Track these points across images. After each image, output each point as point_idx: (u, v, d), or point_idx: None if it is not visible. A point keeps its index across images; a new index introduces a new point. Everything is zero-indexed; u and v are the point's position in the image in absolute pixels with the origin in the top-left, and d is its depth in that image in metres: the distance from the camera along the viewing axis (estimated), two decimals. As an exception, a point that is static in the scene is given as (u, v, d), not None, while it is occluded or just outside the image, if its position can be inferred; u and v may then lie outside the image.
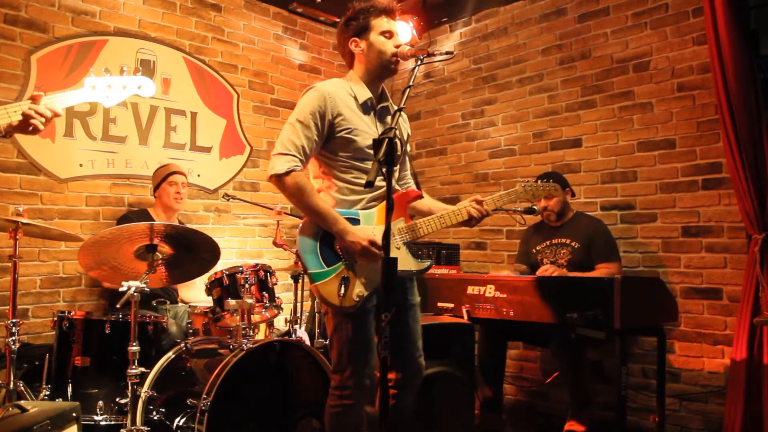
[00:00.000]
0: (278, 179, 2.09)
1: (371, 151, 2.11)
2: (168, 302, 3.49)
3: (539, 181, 2.42)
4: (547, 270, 3.35)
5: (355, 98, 2.21)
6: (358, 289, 2.09)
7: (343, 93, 2.20)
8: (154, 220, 3.49)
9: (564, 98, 4.13)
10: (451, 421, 2.93)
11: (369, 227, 2.15)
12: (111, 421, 2.67)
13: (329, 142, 2.18)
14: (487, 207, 2.24)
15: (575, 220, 3.60)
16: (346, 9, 2.29)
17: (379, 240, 2.06)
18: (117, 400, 2.66)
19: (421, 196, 2.29)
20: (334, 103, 2.15)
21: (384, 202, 2.18)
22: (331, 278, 2.10)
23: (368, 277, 2.11)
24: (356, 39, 2.23)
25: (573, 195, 3.69)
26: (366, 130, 2.19)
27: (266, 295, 3.05)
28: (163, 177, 3.59)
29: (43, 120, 2.03)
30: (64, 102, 2.20)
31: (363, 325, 2.13)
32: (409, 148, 2.46)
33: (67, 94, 2.22)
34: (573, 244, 3.52)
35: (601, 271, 3.39)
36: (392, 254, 1.74)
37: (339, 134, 2.15)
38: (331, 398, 2.19)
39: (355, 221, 2.15)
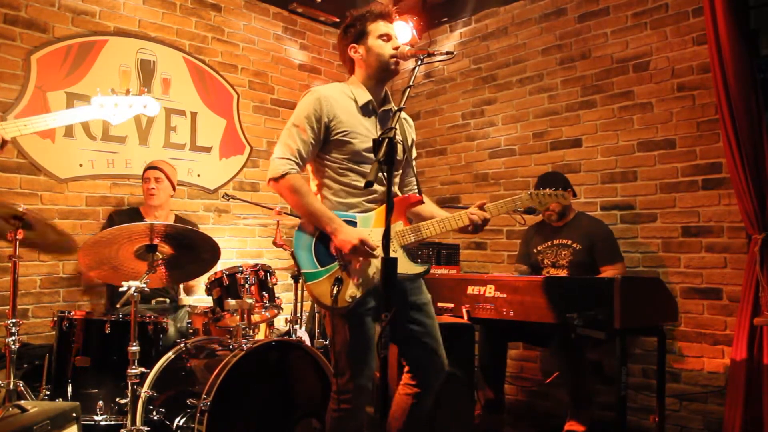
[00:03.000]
0: (275, 182, 2.14)
1: (369, 154, 2.12)
2: (168, 301, 3.49)
3: (547, 189, 2.38)
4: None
5: (355, 101, 2.21)
6: (351, 291, 2.09)
7: (342, 96, 2.21)
8: (142, 218, 3.49)
9: (564, 98, 4.13)
10: (451, 421, 2.93)
11: (365, 230, 2.14)
12: (111, 421, 2.67)
13: (326, 145, 2.19)
14: (482, 214, 2.20)
15: (576, 221, 3.60)
16: (346, 9, 2.31)
17: (371, 240, 2.07)
18: (117, 400, 2.66)
19: (421, 202, 2.28)
20: (330, 106, 2.16)
21: (382, 206, 2.18)
22: (324, 278, 2.10)
23: (362, 279, 2.10)
24: (355, 45, 2.24)
25: (574, 195, 3.68)
26: (364, 133, 2.18)
27: (266, 295, 3.05)
28: (141, 175, 3.61)
29: None
30: (71, 118, 2.24)
31: (360, 328, 2.12)
32: (415, 154, 2.45)
33: (74, 111, 2.25)
34: (574, 245, 3.52)
35: (608, 273, 3.38)
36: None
37: (335, 137, 2.16)
38: (332, 402, 2.19)
39: (352, 224, 2.14)
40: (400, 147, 2.12)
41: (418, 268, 2.22)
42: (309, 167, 2.28)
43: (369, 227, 2.16)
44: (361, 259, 2.11)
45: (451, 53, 2.05)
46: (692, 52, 3.53)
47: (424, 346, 2.24)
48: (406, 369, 2.28)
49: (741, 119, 3.08)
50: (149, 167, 3.60)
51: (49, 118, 2.18)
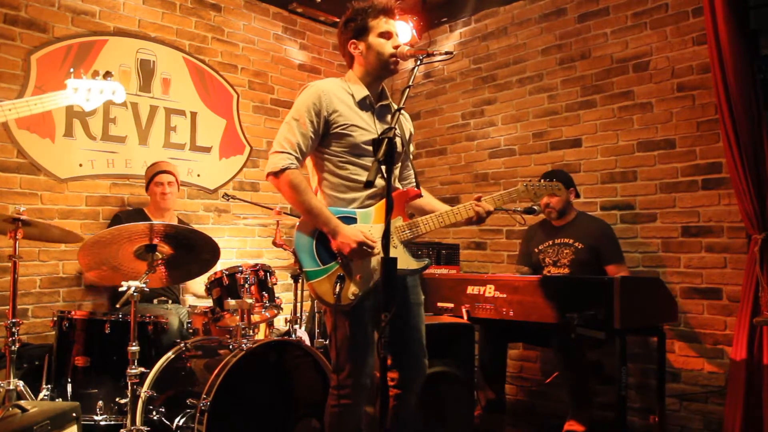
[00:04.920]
0: (274, 177, 2.13)
1: (368, 148, 2.12)
2: (170, 301, 3.49)
3: (542, 180, 2.40)
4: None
5: (353, 96, 2.21)
6: (354, 288, 2.10)
7: (340, 90, 2.21)
8: (148, 219, 3.49)
9: (564, 98, 4.13)
10: (451, 421, 2.93)
11: (365, 226, 2.15)
12: (111, 421, 2.67)
13: (325, 139, 2.19)
14: (485, 206, 2.21)
15: (578, 221, 3.58)
16: (346, 9, 2.29)
17: (371, 236, 2.07)
18: (117, 400, 2.67)
19: (420, 195, 2.29)
20: (330, 100, 2.16)
21: (382, 201, 2.18)
22: (326, 277, 2.10)
23: (364, 276, 2.11)
24: (355, 41, 2.23)
25: (577, 195, 3.66)
26: (363, 126, 2.19)
27: (266, 295, 3.05)
28: (150, 177, 3.60)
29: None
30: (51, 104, 2.25)
31: (361, 324, 2.13)
32: (412, 148, 2.45)
33: (52, 97, 2.27)
34: (576, 244, 3.50)
35: (613, 272, 3.37)
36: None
37: (335, 130, 2.16)
38: (331, 398, 2.19)
39: (351, 220, 2.15)
40: (398, 141, 2.12)
41: (418, 264, 2.22)
42: (309, 162, 2.28)
43: (369, 223, 2.16)
44: None
45: (451, 53, 2.05)
46: (692, 52, 3.53)
47: (409, 348, 2.25)
48: None
49: (741, 119, 3.07)
50: (161, 171, 3.59)
51: (31, 102, 2.21)
